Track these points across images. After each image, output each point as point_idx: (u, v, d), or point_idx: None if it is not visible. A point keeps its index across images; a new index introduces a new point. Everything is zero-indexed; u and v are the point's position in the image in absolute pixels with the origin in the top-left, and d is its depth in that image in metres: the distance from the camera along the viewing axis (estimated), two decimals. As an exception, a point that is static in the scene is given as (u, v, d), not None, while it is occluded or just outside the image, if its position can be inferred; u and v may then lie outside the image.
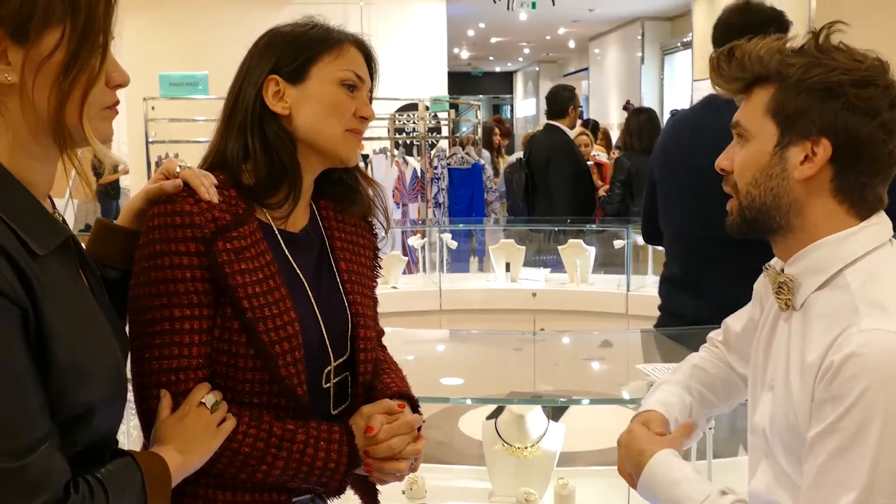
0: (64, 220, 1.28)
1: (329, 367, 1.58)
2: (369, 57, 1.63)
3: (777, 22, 2.82)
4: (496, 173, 8.91)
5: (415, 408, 1.65)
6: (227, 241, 1.46)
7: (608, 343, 3.95)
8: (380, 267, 1.76)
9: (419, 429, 1.60)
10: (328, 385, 1.58)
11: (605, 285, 5.64)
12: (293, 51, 1.56)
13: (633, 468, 1.49)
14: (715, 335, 1.74)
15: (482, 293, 5.74)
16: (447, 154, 8.14)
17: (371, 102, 1.65)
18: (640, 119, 5.93)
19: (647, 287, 5.53)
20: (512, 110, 30.04)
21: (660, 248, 5.33)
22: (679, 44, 16.78)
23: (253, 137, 1.54)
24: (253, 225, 1.51)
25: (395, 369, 1.75)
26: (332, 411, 1.60)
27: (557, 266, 5.87)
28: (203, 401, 1.43)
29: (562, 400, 2.50)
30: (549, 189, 6.14)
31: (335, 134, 1.56)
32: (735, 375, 1.69)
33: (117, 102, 1.22)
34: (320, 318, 1.57)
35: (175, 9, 8.40)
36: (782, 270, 1.41)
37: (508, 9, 7.67)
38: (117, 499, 1.17)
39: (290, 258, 1.57)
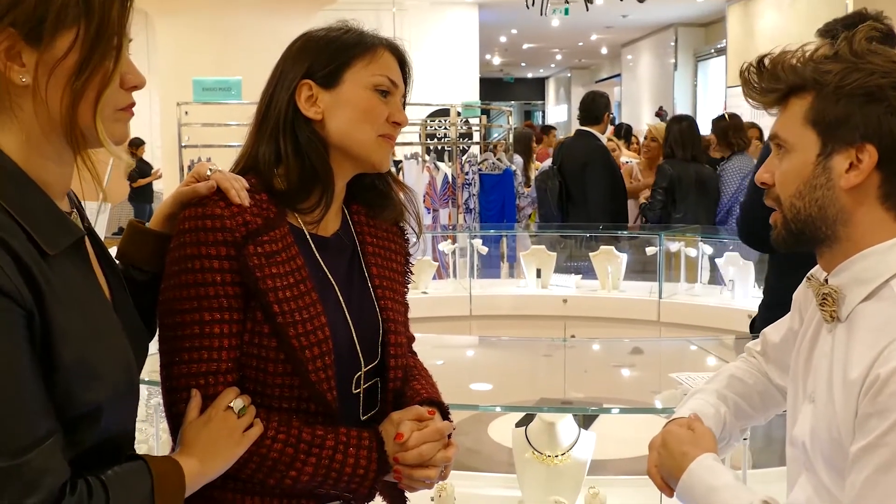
0: (83, 218, 1.29)
1: (359, 373, 1.56)
2: (403, 62, 1.62)
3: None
4: (528, 180, 8.87)
5: (445, 414, 1.63)
6: (257, 244, 1.46)
7: (641, 350, 3.92)
8: (411, 273, 1.75)
9: (449, 436, 1.58)
10: (358, 391, 1.57)
11: (636, 292, 5.59)
12: (327, 55, 1.55)
13: (671, 470, 1.46)
14: (753, 345, 1.71)
15: (513, 299, 5.72)
16: (478, 160, 8.12)
17: (405, 107, 1.64)
18: (681, 126, 5.87)
19: (678, 294, 5.49)
20: (543, 116, 30.02)
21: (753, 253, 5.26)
22: (713, 50, 16.70)
23: (285, 142, 1.53)
24: (284, 229, 1.50)
25: (425, 375, 1.73)
26: (362, 417, 1.58)
27: (588, 272, 5.83)
28: (230, 405, 1.42)
29: (592, 408, 2.46)
30: (584, 196, 6.08)
31: (368, 139, 1.55)
32: (772, 387, 1.66)
33: (132, 104, 1.23)
34: (351, 324, 1.56)
35: (209, 14, 8.43)
36: (826, 281, 1.38)
37: (542, 14, 7.64)
38: (119, 502, 1.16)
39: (322, 262, 1.56)
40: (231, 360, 1.45)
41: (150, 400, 2.96)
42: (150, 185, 13.34)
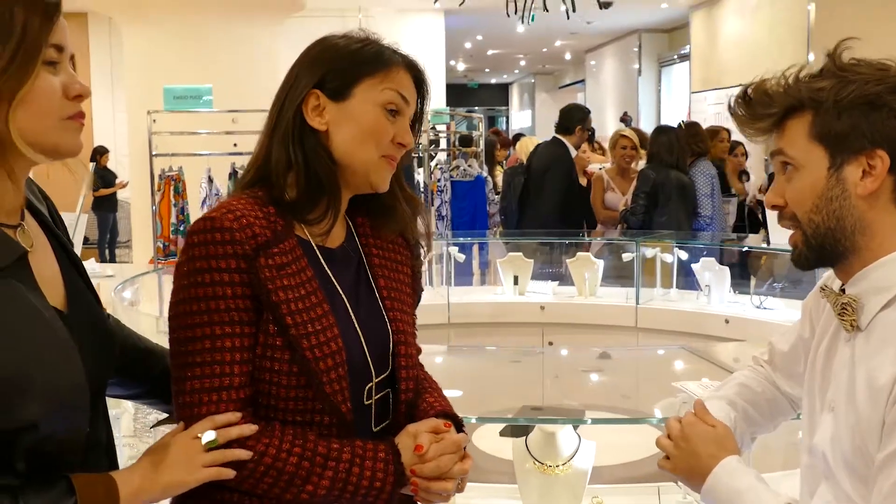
0: (55, 221, 1.37)
1: (371, 384, 1.55)
2: (420, 80, 1.61)
3: None
4: (495, 186, 8.90)
5: (459, 427, 1.62)
6: (268, 257, 1.45)
7: (643, 359, 3.92)
8: (419, 284, 1.74)
9: (464, 448, 1.58)
10: (370, 402, 1.56)
11: (613, 298, 5.62)
12: (341, 67, 1.53)
13: (694, 469, 1.48)
14: (760, 354, 1.72)
15: (490, 306, 5.71)
16: (450, 166, 8.13)
17: (420, 127, 1.63)
18: (669, 137, 5.97)
19: (655, 300, 5.52)
20: (507, 122, 30.12)
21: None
22: (676, 56, 16.85)
23: (294, 150, 1.52)
24: (293, 241, 1.50)
25: (436, 388, 1.72)
26: (374, 428, 1.57)
27: (564, 279, 5.85)
28: (199, 435, 1.40)
29: (591, 419, 2.46)
30: (539, 198, 6.34)
31: (370, 159, 1.53)
32: (780, 395, 1.67)
33: (81, 114, 1.25)
34: (361, 335, 1.54)
35: (176, 21, 8.35)
36: (843, 291, 1.39)
37: (522, 22, 7.74)
38: None
39: (330, 274, 1.55)
40: (244, 375, 1.44)
41: (136, 414, 2.92)
42: (113, 194, 13.17)
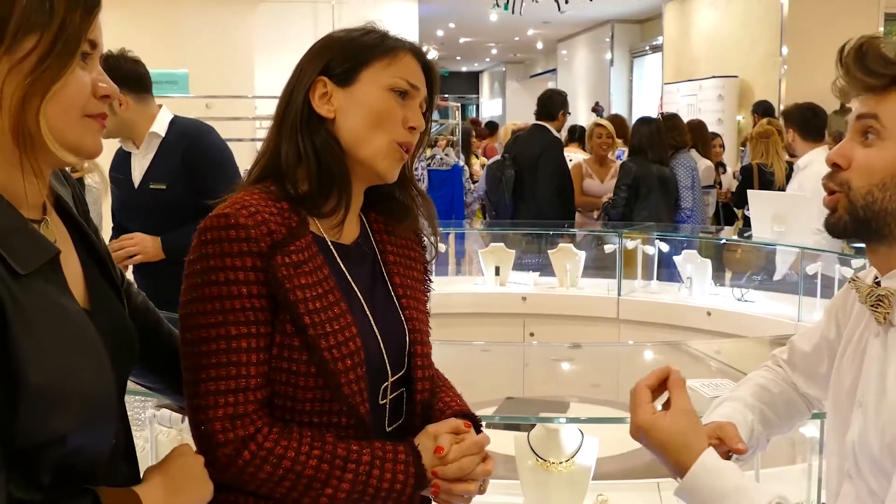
0: (78, 203, 1.31)
1: (386, 383, 1.53)
2: (427, 67, 1.58)
3: None
4: (471, 176, 8.87)
5: (478, 427, 1.60)
6: (284, 255, 1.41)
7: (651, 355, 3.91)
8: (430, 281, 1.71)
9: None
10: (384, 401, 1.53)
11: (595, 290, 5.60)
12: (345, 54, 1.51)
13: (673, 464, 1.36)
14: (779, 353, 1.71)
15: (471, 297, 5.67)
16: (426, 155, 8.08)
17: (431, 114, 1.60)
18: (650, 128, 5.96)
19: (636, 292, 5.52)
20: (477, 110, 30.11)
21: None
22: (648, 47, 16.92)
23: (304, 141, 1.49)
24: (308, 238, 1.46)
25: (450, 387, 1.70)
26: (387, 428, 1.55)
27: (545, 269, 5.83)
28: None
29: (601, 417, 2.43)
30: (534, 188, 6.20)
31: (379, 146, 1.50)
32: (798, 396, 1.66)
33: (104, 115, 1.20)
34: (378, 334, 1.52)
35: (152, 6, 8.23)
36: (878, 283, 1.37)
37: (513, 13, 7.76)
38: None
39: (346, 271, 1.51)
40: (260, 376, 1.41)
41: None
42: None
